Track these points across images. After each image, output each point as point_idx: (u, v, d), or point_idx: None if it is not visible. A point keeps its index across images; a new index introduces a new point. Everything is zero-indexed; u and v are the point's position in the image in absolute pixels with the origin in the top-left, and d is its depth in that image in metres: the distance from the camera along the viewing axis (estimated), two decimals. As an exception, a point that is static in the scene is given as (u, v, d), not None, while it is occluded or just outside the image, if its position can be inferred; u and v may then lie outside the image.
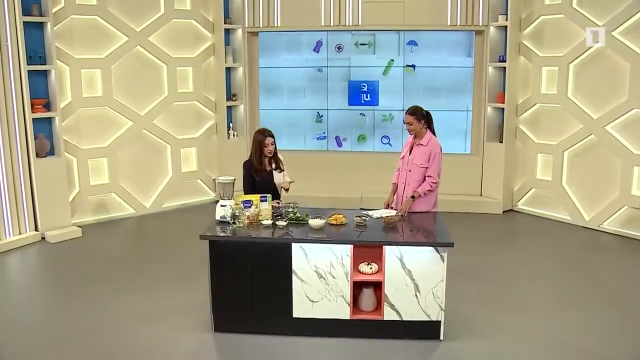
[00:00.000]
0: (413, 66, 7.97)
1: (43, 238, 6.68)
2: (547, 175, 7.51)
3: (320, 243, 4.14)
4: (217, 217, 4.44)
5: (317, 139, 8.39)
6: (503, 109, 7.63)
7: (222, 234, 4.23)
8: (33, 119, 6.55)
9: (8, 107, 6.38)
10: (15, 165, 6.52)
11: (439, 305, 4.18)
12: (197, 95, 8.18)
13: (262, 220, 4.40)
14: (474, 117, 7.95)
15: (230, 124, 8.38)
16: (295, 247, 4.15)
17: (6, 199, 6.44)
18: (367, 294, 4.28)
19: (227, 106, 8.29)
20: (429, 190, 4.80)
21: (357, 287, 4.28)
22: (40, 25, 6.57)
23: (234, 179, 4.55)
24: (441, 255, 4.11)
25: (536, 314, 4.71)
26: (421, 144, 4.85)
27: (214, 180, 4.51)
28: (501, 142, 7.72)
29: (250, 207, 4.39)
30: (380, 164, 7.69)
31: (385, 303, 4.20)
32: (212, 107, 8.36)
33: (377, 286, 4.25)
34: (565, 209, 7.32)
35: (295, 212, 4.51)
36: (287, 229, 4.31)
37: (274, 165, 4.95)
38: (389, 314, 4.21)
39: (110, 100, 7.35)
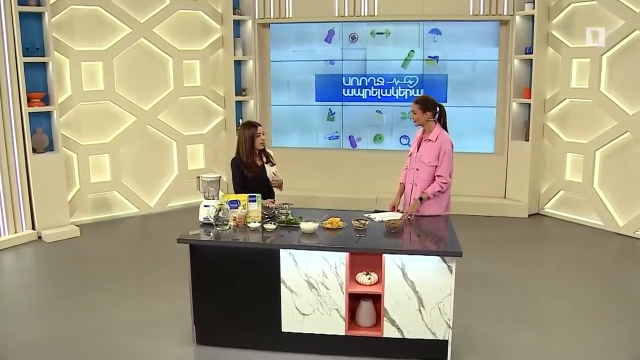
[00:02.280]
0: (436, 58, 7.47)
1: (39, 237, 6.45)
2: (577, 177, 6.97)
3: (311, 250, 3.70)
4: (201, 219, 4.06)
5: (329, 139, 7.94)
6: (529, 104, 7.15)
7: (202, 238, 3.84)
8: (30, 113, 6.30)
9: (4, 100, 6.15)
10: (11, 161, 6.28)
11: (446, 322, 3.70)
12: (205, 89, 7.85)
13: (249, 222, 3.99)
14: (498, 113, 7.46)
15: (240, 120, 8.00)
16: (283, 253, 3.73)
17: (1, 195, 6.21)
18: (365, 308, 3.83)
19: (237, 101, 7.96)
20: (438, 191, 4.33)
21: (354, 299, 3.83)
22: (38, 16, 6.33)
23: (219, 176, 4.18)
24: (448, 266, 3.63)
25: (559, 333, 4.19)
26: (429, 140, 4.37)
27: (198, 177, 4.13)
28: (527, 140, 7.22)
29: (237, 207, 4.00)
30: (397, 164, 7.16)
31: (384, 318, 3.74)
32: (221, 102, 8.02)
33: (377, 299, 3.80)
34: (597, 213, 6.77)
35: (288, 214, 4.09)
36: (276, 233, 3.89)
37: (264, 159, 4.59)
38: (389, 331, 3.75)
39: (112, 94, 7.07)
